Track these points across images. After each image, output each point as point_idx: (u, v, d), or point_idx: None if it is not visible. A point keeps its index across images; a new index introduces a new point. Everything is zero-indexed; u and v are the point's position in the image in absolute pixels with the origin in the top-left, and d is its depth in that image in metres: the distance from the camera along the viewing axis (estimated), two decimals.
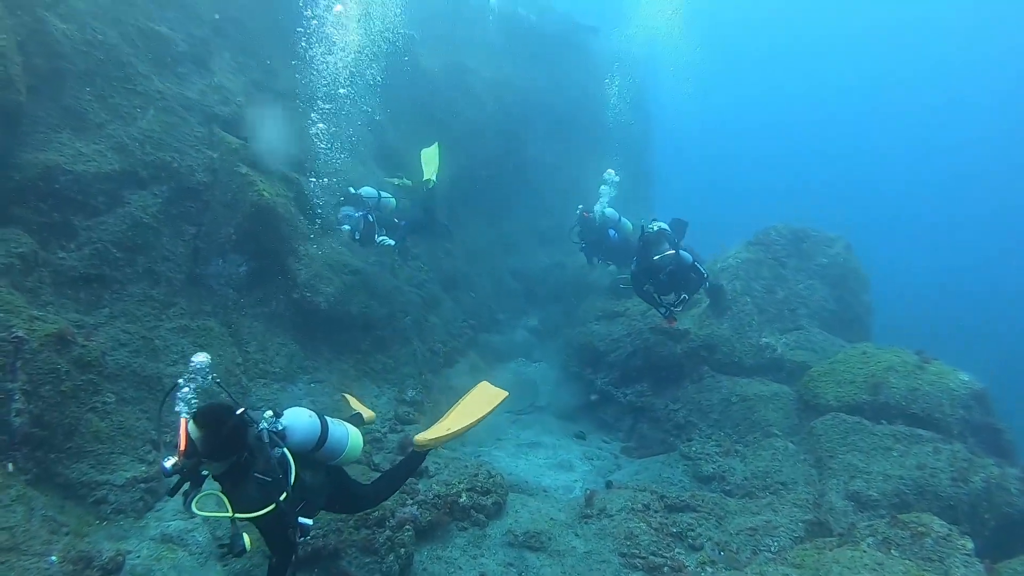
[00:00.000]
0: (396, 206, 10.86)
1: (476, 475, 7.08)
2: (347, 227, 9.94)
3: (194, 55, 10.42)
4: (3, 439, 5.72)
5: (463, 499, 6.68)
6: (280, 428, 4.17)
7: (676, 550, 6.41)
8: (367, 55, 11.58)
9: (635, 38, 18.04)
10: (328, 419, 4.63)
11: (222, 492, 3.76)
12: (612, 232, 11.34)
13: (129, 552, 5.59)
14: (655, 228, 9.36)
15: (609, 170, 11.64)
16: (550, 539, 6.52)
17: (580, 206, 11.40)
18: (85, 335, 6.97)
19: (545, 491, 8.32)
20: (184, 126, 9.20)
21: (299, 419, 4.38)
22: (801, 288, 11.03)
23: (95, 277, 7.94)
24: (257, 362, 8.80)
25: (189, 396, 4.05)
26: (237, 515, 3.69)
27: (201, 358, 4.20)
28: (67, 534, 5.31)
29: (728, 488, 8.14)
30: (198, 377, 4.15)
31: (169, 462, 3.59)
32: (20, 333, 6.07)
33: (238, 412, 3.83)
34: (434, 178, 10.84)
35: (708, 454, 8.79)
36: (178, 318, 8.48)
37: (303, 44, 10.72)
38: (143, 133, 8.83)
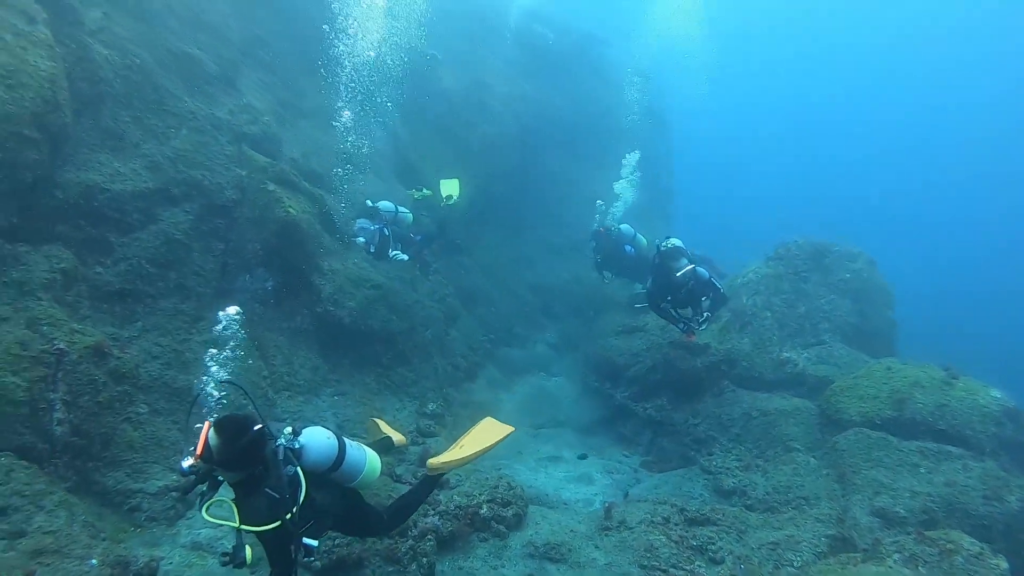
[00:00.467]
0: (412, 221, 11.00)
1: (496, 487, 7.16)
2: (362, 239, 10.02)
3: (223, 76, 10.74)
4: (45, 447, 5.94)
5: (484, 510, 6.76)
6: (297, 446, 4.21)
7: (696, 563, 6.43)
8: (390, 74, 11.85)
9: (650, 47, 18.10)
10: (347, 441, 4.64)
11: (234, 501, 3.82)
12: (628, 248, 11.50)
13: (162, 558, 5.75)
14: (670, 244, 9.36)
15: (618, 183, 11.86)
16: (570, 551, 6.57)
17: (597, 218, 11.69)
18: (120, 348, 7.21)
19: (565, 504, 8.38)
20: (214, 145, 9.47)
21: (317, 439, 4.40)
22: (823, 303, 11.02)
23: (129, 292, 8.20)
24: (283, 375, 8.98)
25: (216, 399, 4.17)
26: (243, 526, 3.72)
27: (232, 310, 4.54)
28: (104, 539, 5.47)
29: (749, 503, 8.14)
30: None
31: (187, 462, 3.68)
32: (62, 345, 6.32)
33: (257, 427, 3.87)
34: (456, 196, 11.16)
35: (729, 468, 8.80)
36: (207, 332, 8.68)
37: (327, 64, 11.03)
38: (175, 152, 9.12)
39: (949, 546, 5.54)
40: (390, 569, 5.83)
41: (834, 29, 57.96)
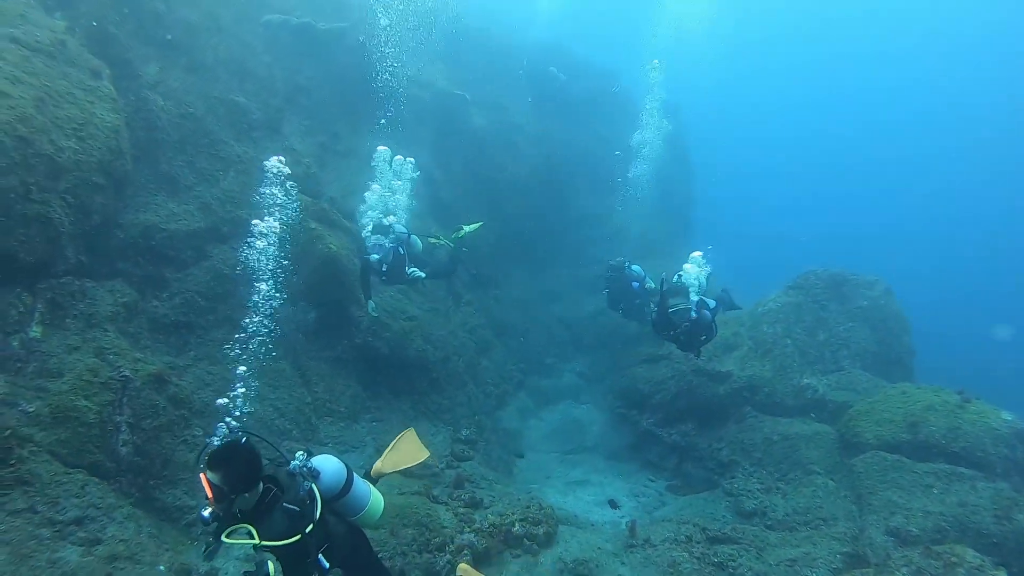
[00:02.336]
0: (421, 249, 10.68)
1: (528, 507, 7.57)
2: (376, 256, 9.58)
3: (268, 121, 11.50)
4: (112, 466, 6.49)
5: (516, 528, 7.15)
6: (311, 466, 4.32)
7: None
8: (423, 114, 12.49)
9: (666, 78, 18.56)
10: (355, 474, 4.71)
11: (252, 523, 3.87)
12: (636, 284, 11.83)
13: (219, 569, 6.24)
14: (676, 281, 9.62)
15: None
16: (598, 567, 6.93)
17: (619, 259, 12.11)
18: (177, 375, 7.81)
19: (593, 525, 8.73)
20: (259, 186, 10.15)
21: (328, 461, 4.47)
22: (842, 330, 11.31)
23: (183, 324, 8.86)
24: (324, 402, 9.52)
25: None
26: (262, 542, 3.78)
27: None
28: (167, 550, 5.98)
29: (769, 523, 8.43)
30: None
31: (206, 511, 3.74)
32: (127, 373, 6.91)
33: (244, 442, 3.96)
34: (466, 229, 11.10)
35: (750, 491, 9.10)
36: (254, 360, 9.30)
37: (365, 108, 11.73)
38: (224, 193, 9.83)
39: (953, 559, 5.82)
40: None
41: (849, 41, 57.94)
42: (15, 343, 6.74)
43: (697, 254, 11.45)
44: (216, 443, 4.20)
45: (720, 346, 11.12)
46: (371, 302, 9.92)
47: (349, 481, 4.54)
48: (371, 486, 4.85)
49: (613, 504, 9.98)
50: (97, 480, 6.16)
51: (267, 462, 4.07)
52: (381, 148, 11.00)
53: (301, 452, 4.36)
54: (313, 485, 4.18)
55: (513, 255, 16.14)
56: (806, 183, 62.41)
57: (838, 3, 52.31)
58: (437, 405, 10.76)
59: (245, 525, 3.82)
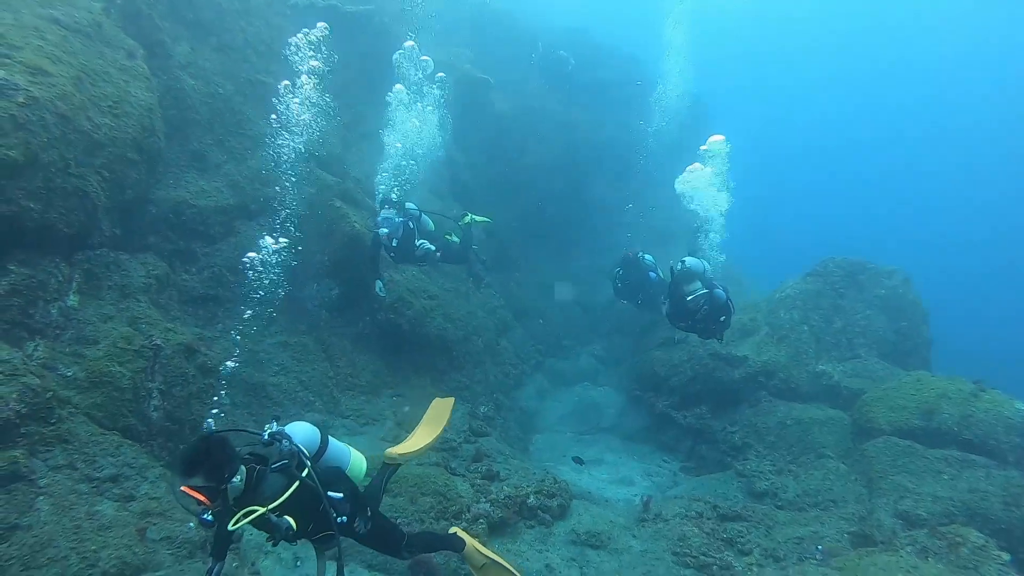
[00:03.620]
0: (433, 229, 10.58)
1: (543, 480, 7.78)
2: (385, 230, 9.41)
3: (293, 99, 11.71)
4: (144, 430, 6.80)
5: (531, 500, 7.36)
6: (282, 430, 4.27)
7: (725, 553, 6.92)
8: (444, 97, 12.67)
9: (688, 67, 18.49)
10: (330, 437, 4.72)
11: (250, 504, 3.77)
12: (653, 275, 11.71)
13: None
14: (684, 266, 9.32)
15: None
16: (609, 539, 7.13)
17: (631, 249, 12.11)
18: (206, 346, 8.10)
19: (607, 501, 8.93)
20: (286, 165, 10.40)
21: (299, 425, 4.47)
22: (859, 319, 11.34)
23: (211, 297, 9.16)
24: (346, 376, 9.80)
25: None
26: (268, 509, 3.69)
27: None
28: None
29: (780, 504, 8.56)
30: None
31: (206, 515, 3.67)
32: (158, 341, 7.21)
33: (205, 435, 3.86)
34: (472, 218, 11.10)
35: (762, 472, 9.23)
36: (279, 335, 9.61)
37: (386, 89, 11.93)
38: (252, 172, 10.09)
39: (957, 539, 5.94)
40: None
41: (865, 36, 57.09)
42: (54, 311, 7.02)
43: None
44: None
45: (737, 331, 11.21)
46: (379, 282, 9.91)
47: (324, 440, 4.60)
48: (351, 448, 4.90)
49: (577, 460, 10.16)
50: (130, 442, 6.46)
51: (243, 448, 4.05)
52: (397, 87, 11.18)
53: (269, 424, 4.33)
54: (292, 443, 4.17)
55: (534, 239, 16.31)
56: (831, 173, 61.90)
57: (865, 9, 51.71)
58: (456, 383, 10.98)
59: (245, 508, 3.71)
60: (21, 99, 6.44)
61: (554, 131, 17.24)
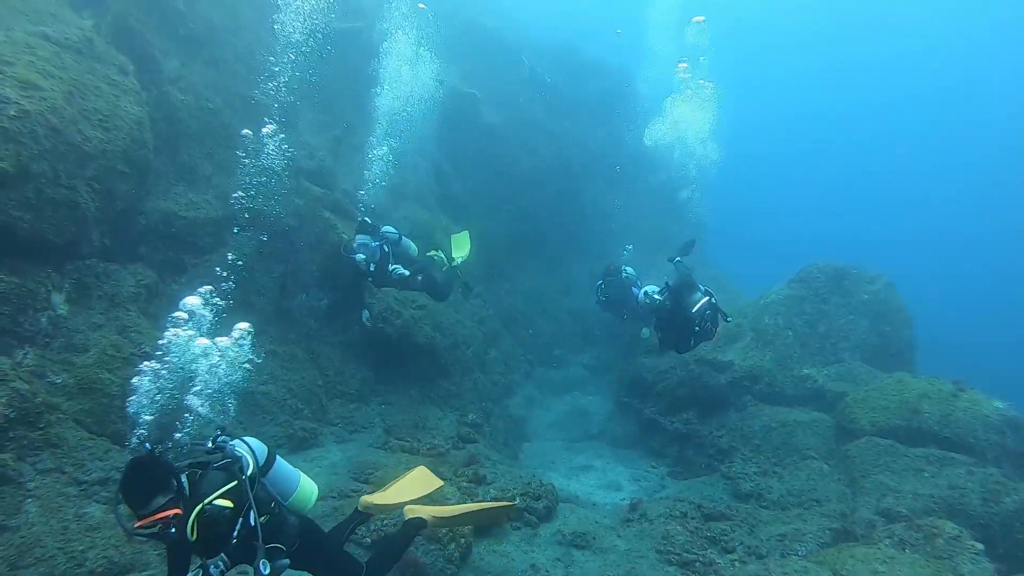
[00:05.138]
0: (416, 253, 10.58)
1: (529, 483, 7.88)
2: (361, 256, 9.47)
3: (283, 115, 11.89)
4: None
5: (517, 501, 7.44)
6: (225, 438, 4.14)
7: (709, 551, 7.02)
8: (432, 112, 12.88)
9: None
10: (279, 457, 4.56)
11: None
12: (635, 290, 11.58)
13: None
14: (654, 292, 9.27)
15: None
16: (594, 538, 7.21)
17: (618, 260, 12.26)
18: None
19: (595, 505, 9.01)
20: (275, 178, 10.54)
21: (247, 438, 4.30)
22: (843, 323, 11.48)
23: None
24: (335, 384, 9.90)
25: None
26: (209, 498, 3.64)
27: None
28: None
29: (765, 504, 8.64)
30: None
31: (173, 533, 3.52)
32: (147, 350, 7.29)
33: (133, 459, 3.69)
34: (459, 261, 11.00)
35: (747, 474, 9.32)
36: (268, 344, 9.69)
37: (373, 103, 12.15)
38: (241, 184, 10.22)
39: (934, 530, 6.06)
40: (432, 547, 6.48)
41: (856, 45, 57.64)
42: (44, 320, 7.12)
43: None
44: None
45: (723, 337, 11.33)
46: (365, 312, 9.99)
47: (272, 458, 4.43)
48: (302, 474, 4.73)
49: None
50: (119, 447, 6.54)
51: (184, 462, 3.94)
52: None
53: (214, 434, 4.21)
54: (235, 446, 4.08)
55: (526, 248, 16.46)
56: (815, 180, 62.22)
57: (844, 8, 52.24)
58: (445, 391, 11.08)
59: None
60: (12, 112, 6.58)
61: (543, 142, 17.49)
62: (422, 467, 6.75)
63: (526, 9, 22.72)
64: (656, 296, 9.30)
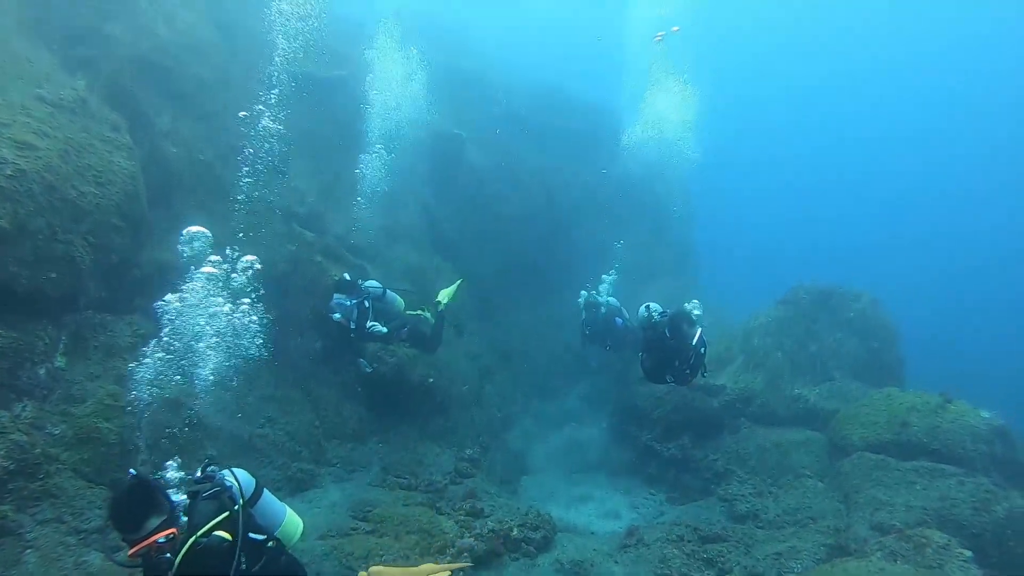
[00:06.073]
0: (403, 306, 10.55)
1: (527, 514, 7.97)
2: (337, 315, 9.39)
3: (274, 163, 12.18)
4: None
5: (515, 532, 7.53)
6: (213, 469, 4.15)
7: (706, 572, 7.08)
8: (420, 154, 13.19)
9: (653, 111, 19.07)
10: (266, 490, 4.51)
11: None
12: (618, 320, 11.82)
13: None
14: (656, 312, 9.01)
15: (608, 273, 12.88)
16: (592, 566, 7.28)
17: (583, 293, 12.26)
18: (191, 400, 8.31)
19: (593, 534, 9.05)
20: (268, 224, 10.77)
21: (235, 470, 4.27)
22: (831, 342, 11.67)
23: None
24: (332, 424, 10.00)
25: None
26: (204, 529, 3.61)
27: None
28: None
29: (761, 525, 8.72)
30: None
31: (166, 555, 3.46)
32: (144, 396, 7.43)
33: (119, 489, 3.67)
34: (444, 302, 10.90)
35: (743, 495, 9.40)
36: (264, 387, 9.81)
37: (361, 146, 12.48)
38: (234, 232, 10.44)
39: (923, 540, 6.15)
40: None
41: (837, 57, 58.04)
42: (42, 372, 7.26)
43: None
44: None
45: (714, 361, 11.47)
46: (362, 360, 9.93)
47: (259, 490, 4.40)
48: (288, 508, 4.70)
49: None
50: None
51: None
52: None
53: (203, 465, 4.24)
54: (224, 477, 4.06)
55: (518, 282, 16.63)
56: (795, 199, 62.26)
57: (828, 22, 52.90)
58: (441, 428, 11.17)
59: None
60: (9, 171, 6.81)
61: (530, 180, 17.79)
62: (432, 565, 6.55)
63: (508, 48, 23.25)
64: (656, 315, 9.00)
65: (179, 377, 8.71)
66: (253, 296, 7.79)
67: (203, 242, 7.83)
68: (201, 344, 7.36)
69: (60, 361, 7.50)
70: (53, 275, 7.33)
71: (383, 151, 12.86)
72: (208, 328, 7.45)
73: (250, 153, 11.51)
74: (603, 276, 13.03)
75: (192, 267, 7.41)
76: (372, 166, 12.69)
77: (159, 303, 7.10)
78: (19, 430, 6.13)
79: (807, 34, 54.04)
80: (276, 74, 13.44)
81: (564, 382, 15.60)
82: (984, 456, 8.45)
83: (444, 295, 10.99)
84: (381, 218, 12.58)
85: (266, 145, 10.88)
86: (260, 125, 11.05)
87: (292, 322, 10.52)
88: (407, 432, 10.84)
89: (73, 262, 7.61)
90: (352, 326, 9.46)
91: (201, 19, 12.25)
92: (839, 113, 61.83)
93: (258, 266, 7.85)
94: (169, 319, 7.05)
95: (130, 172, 8.90)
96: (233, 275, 7.81)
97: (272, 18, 11.41)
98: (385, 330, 9.69)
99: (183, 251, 7.43)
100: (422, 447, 10.61)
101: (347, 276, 9.90)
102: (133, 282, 9.05)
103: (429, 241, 15.08)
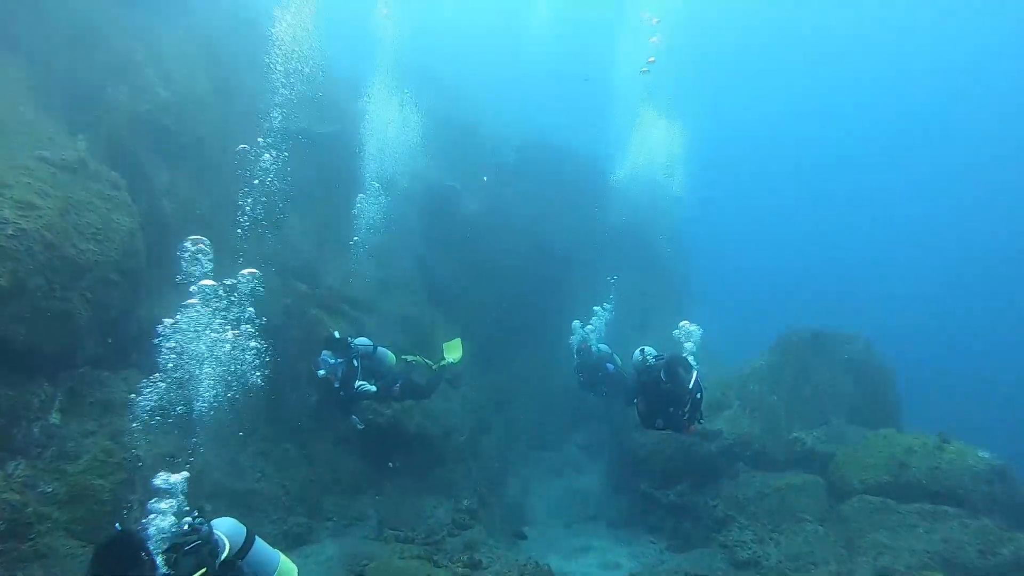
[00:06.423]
0: (394, 362, 10.36)
1: (525, 565, 7.89)
2: (322, 372, 9.26)
3: (270, 218, 12.33)
4: None
5: None
6: (200, 520, 4.12)
7: None
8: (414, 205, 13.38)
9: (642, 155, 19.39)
10: (259, 539, 4.51)
11: None
12: (610, 366, 11.67)
13: None
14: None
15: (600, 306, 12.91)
16: None
17: (574, 337, 12.30)
18: (185, 457, 8.27)
19: None
20: (263, 278, 10.84)
21: (223, 520, 4.29)
22: (826, 385, 11.70)
23: (191, 409, 9.35)
24: (328, 478, 9.93)
25: None
26: None
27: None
28: None
29: (763, 572, 8.60)
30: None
31: None
32: (139, 453, 7.40)
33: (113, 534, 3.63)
34: (451, 360, 10.94)
35: (744, 542, 9.30)
36: (260, 443, 9.77)
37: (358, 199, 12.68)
38: (229, 286, 10.51)
39: None
40: None
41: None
42: (36, 430, 7.24)
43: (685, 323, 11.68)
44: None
45: (710, 406, 11.44)
46: (354, 417, 9.63)
47: (250, 539, 4.39)
48: (280, 554, 4.67)
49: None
50: None
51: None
52: None
53: (190, 516, 4.23)
54: (211, 528, 4.04)
55: (513, 331, 16.64)
56: (787, 233, 61.81)
57: (814, 76, 53.49)
58: (438, 479, 11.08)
59: None
60: (10, 231, 6.91)
61: (523, 228, 17.96)
62: None
63: (500, 93, 23.79)
64: (651, 359, 8.91)
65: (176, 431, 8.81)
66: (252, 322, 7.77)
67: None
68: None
69: (55, 418, 7.48)
70: (50, 331, 7.38)
71: (377, 203, 13.06)
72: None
73: (247, 208, 11.73)
74: (594, 308, 12.96)
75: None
76: (366, 218, 12.87)
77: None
78: (11, 489, 6.09)
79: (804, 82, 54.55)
80: (272, 131, 13.77)
81: (562, 430, 15.52)
82: (985, 497, 8.42)
83: (450, 354, 10.99)
84: (376, 269, 12.69)
85: (263, 199, 11.08)
86: (256, 181, 11.28)
87: (288, 375, 10.52)
88: (404, 484, 10.75)
89: (71, 318, 7.66)
90: (336, 385, 9.27)
91: (199, 78, 12.52)
92: (829, 148, 61.98)
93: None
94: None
95: (128, 229, 9.02)
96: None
97: (269, 75, 11.73)
98: (374, 389, 9.50)
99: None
100: (419, 499, 10.52)
101: (336, 334, 9.74)
102: (130, 337, 9.09)
103: (424, 291, 15.17)
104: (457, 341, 11.63)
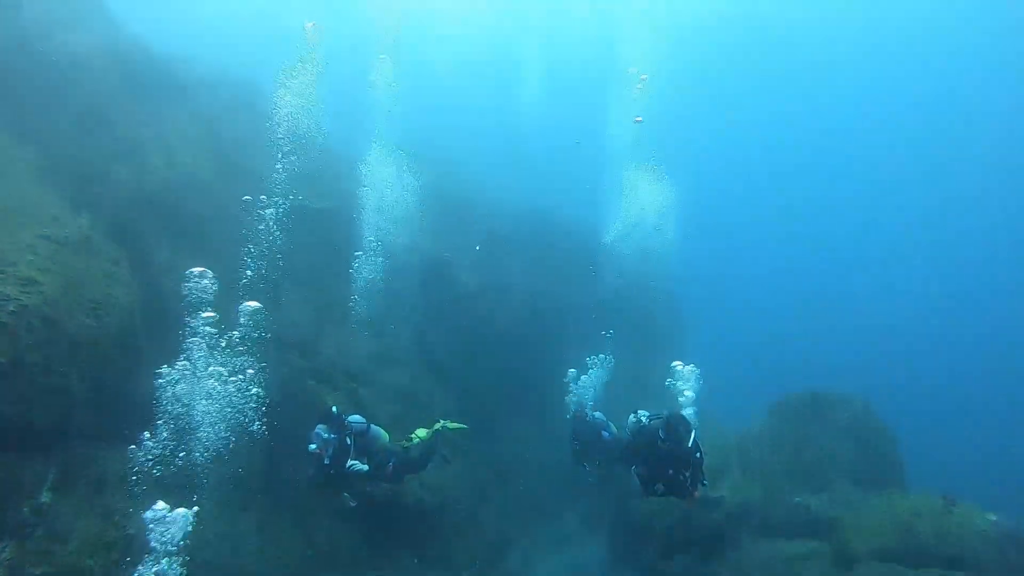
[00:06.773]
0: (388, 441, 10.05)
1: None
2: (313, 446, 8.97)
3: (268, 292, 12.45)
4: None
5: None
6: None
7: None
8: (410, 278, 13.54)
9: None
10: None
11: None
12: (606, 434, 11.31)
13: None
14: (645, 416, 8.76)
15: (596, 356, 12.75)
16: None
17: (571, 372, 12.32)
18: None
19: None
20: (260, 353, 10.87)
21: None
22: (826, 448, 11.60)
23: (188, 484, 9.24)
24: (326, 553, 9.70)
25: None
26: None
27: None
28: None
29: None
30: None
31: None
32: (132, 532, 7.29)
33: None
34: (450, 425, 10.75)
35: None
36: (256, 517, 9.61)
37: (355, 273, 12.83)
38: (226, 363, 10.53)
39: None
40: None
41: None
42: (26, 510, 7.13)
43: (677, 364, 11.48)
44: None
45: (711, 473, 11.29)
46: (346, 495, 9.45)
47: None
48: None
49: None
50: None
51: None
52: None
53: None
54: None
55: (510, 401, 16.55)
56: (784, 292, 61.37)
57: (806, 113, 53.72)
58: (437, 552, 10.86)
59: None
60: (11, 308, 7.00)
61: (518, 298, 18.09)
62: None
63: (493, 160, 24.32)
64: (644, 421, 8.69)
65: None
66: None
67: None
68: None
69: (46, 496, 7.38)
70: (46, 407, 7.37)
71: (374, 276, 13.23)
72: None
73: (244, 284, 11.87)
74: (587, 359, 12.85)
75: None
76: (363, 291, 13.01)
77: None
78: None
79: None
80: (272, 207, 14.07)
81: (561, 500, 15.23)
82: (997, 562, 8.23)
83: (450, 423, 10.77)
84: (372, 343, 12.74)
85: (262, 271, 11.24)
86: (253, 259, 11.48)
87: (285, 450, 10.41)
88: (401, 557, 10.52)
89: (67, 393, 7.66)
90: (326, 461, 9.03)
91: (201, 156, 12.87)
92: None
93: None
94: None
95: (128, 305, 9.13)
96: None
97: (268, 151, 12.06)
98: (366, 468, 9.29)
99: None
100: (418, 574, 10.26)
101: (334, 409, 9.52)
102: (126, 411, 9.03)
103: (420, 363, 15.17)
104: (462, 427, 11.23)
